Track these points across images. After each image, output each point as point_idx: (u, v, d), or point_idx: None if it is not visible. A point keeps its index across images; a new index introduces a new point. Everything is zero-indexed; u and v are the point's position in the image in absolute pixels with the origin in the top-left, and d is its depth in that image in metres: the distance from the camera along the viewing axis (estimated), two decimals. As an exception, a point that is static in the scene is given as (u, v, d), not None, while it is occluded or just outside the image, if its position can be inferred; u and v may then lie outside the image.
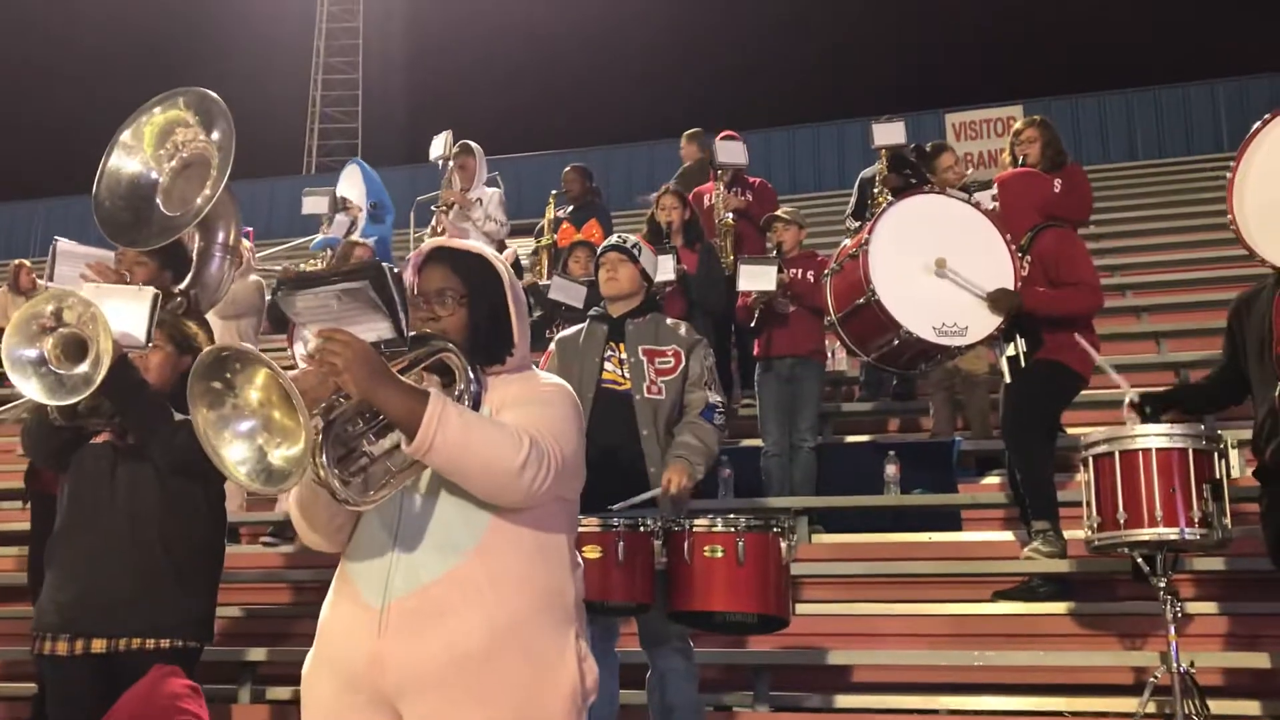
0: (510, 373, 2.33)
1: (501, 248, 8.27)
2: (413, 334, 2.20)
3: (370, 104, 24.02)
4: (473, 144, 8.02)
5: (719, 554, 3.44)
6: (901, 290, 4.44)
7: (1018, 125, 6.30)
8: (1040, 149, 5.89)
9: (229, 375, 1.94)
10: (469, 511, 2.19)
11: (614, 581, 3.48)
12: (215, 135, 3.29)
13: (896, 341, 4.46)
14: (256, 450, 1.93)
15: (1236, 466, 3.96)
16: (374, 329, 2.07)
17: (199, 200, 3.32)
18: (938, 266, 4.49)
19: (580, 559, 2.40)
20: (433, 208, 7.93)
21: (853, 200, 7.49)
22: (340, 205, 7.99)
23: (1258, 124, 4.73)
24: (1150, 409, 3.95)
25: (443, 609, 2.14)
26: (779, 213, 6.71)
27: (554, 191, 7.96)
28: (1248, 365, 3.82)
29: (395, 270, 2.10)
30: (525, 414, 2.20)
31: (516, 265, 8.24)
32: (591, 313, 4.32)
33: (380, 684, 2.16)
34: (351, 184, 8.43)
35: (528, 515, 2.20)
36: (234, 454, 1.93)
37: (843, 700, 4.62)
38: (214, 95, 3.30)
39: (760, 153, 13.30)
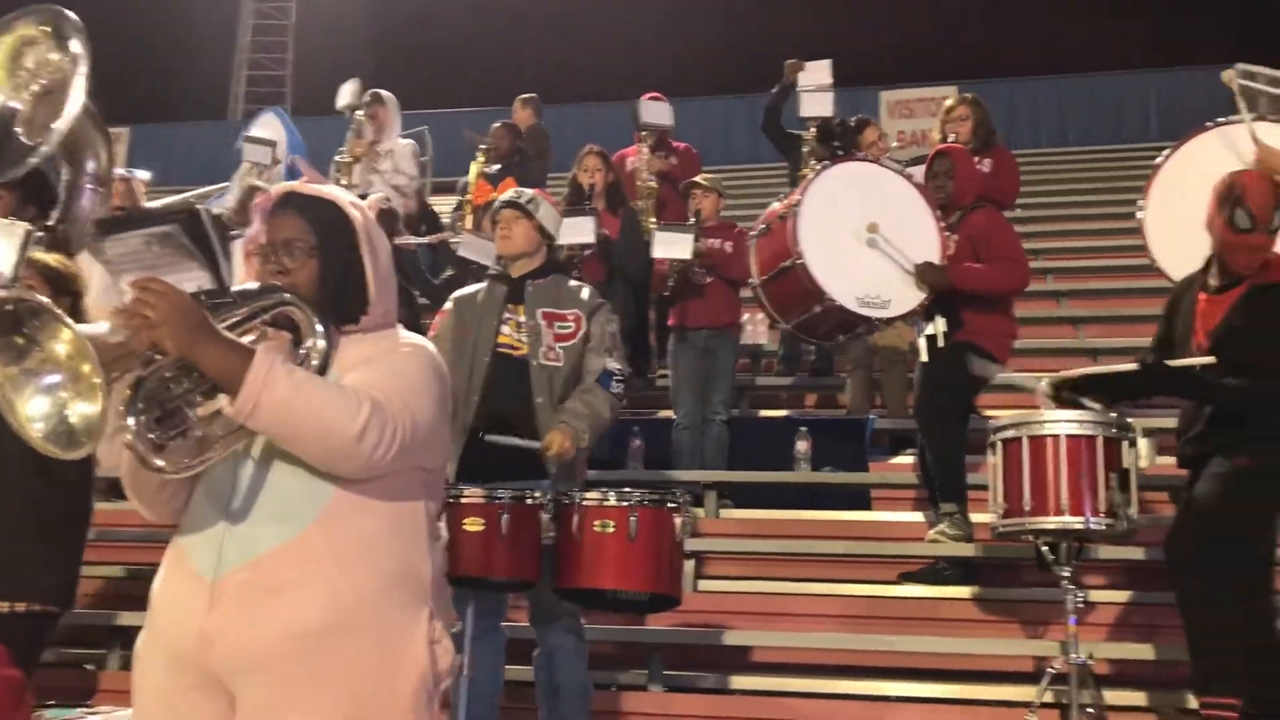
0: (366, 332, 2.13)
1: (423, 205, 7.99)
2: (255, 285, 1.99)
3: (303, 50, 23.30)
4: (384, 93, 7.71)
5: (610, 529, 3.27)
6: (828, 257, 4.33)
7: (950, 102, 6.20)
8: (972, 128, 5.79)
9: (28, 329, 1.72)
10: (311, 479, 2.00)
11: (497, 556, 3.31)
12: (69, 53, 3.00)
13: (819, 309, 4.34)
14: (57, 407, 1.72)
15: (1146, 456, 3.87)
16: (192, 278, 1.87)
17: (57, 125, 3.04)
18: (869, 230, 4.38)
19: (442, 532, 2.22)
20: (336, 159, 7.61)
21: (772, 106, 7.31)
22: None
23: (1160, 157, 4.77)
24: (1069, 392, 3.86)
25: (278, 583, 1.96)
26: (698, 179, 6.54)
27: (481, 146, 7.68)
28: (1176, 356, 3.76)
29: (211, 212, 1.89)
30: (373, 375, 2.02)
31: (435, 219, 7.96)
32: (491, 272, 4.11)
33: (210, 663, 1.97)
34: (270, 134, 8.08)
35: (379, 485, 2.03)
36: (32, 409, 1.72)
37: (739, 681, 4.50)
38: (65, 10, 3.02)
39: (695, 120, 13.12)
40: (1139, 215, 4.77)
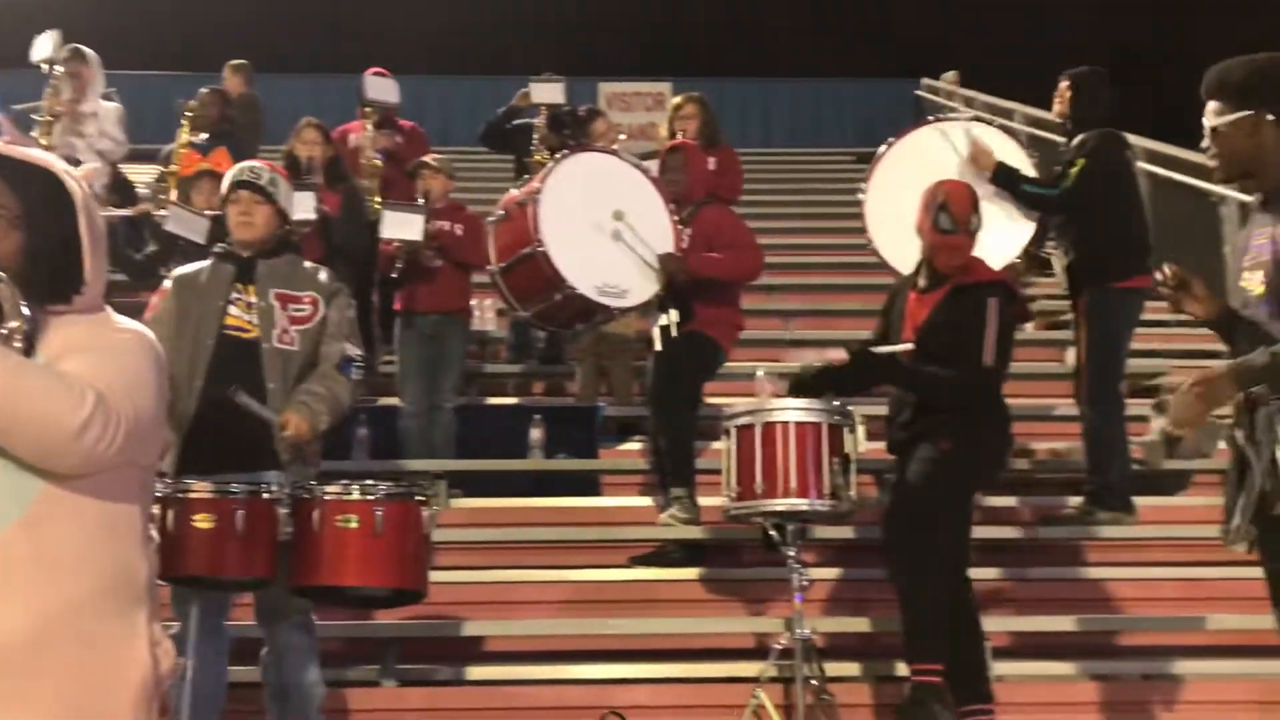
0: (78, 313, 1.93)
1: (117, 174, 7.38)
2: None
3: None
4: (87, 50, 7.05)
5: (353, 524, 3.13)
6: (569, 245, 4.33)
7: (677, 100, 6.36)
8: (698, 126, 5.96)
9: None
10: (14, 476, 1.81)
11: (229, 554, 3.11)
12: None
13: (559, 297, 4.34)
14: None
15: (862, 441, 4.13)
16: None
17: None
18: (615, 220, 4.41)
19: (153, 532, 2.06)
20: (34, 117, 6.89)
21: (496, 125, 7.28)
22: None
23: (882, 146, 5.09)
24: (804, 385, 4.05)
25: None
26: (427, 159, 6.39)
27: (187, 113, 7.14)
28: None
29: None
30: (91, 364, 1.85)
31: (130, 189, 7.36)
32: (217, 249, 3.84)
33: None
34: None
35: (90, 482, 1.86)
36: None
37: (475, 672, 4.45)
38: None
39: (418, 99, 12.83)
40: (860, 197, 5.03)
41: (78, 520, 1.86)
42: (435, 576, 4.97)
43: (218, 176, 6.11)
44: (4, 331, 1.79)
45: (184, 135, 7.15)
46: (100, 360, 1.86)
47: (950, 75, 4.59)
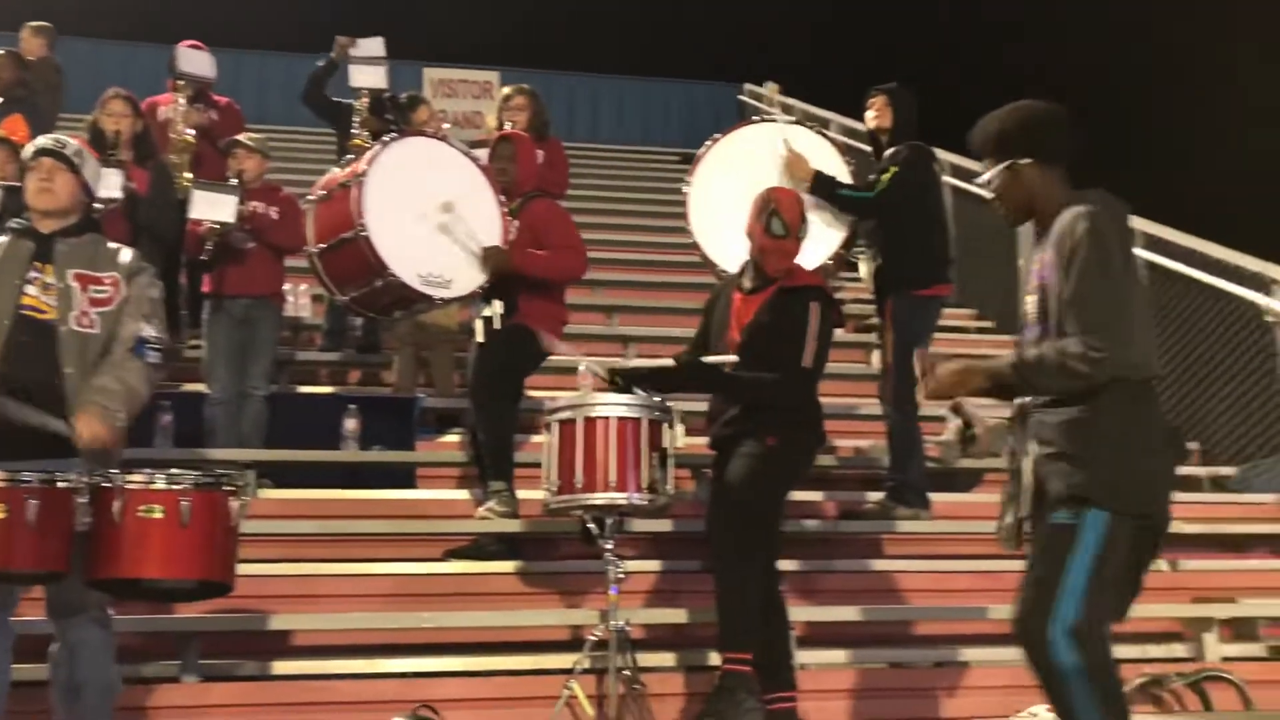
0: None
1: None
2: None
3: None
4: None
5: (157, 514, 3.01)
6: (392, 231, 4.26)
7: (507, 91, 6.34)
8: (529, 118, 5.96)
9: None
10: None
11: (19, 546, 2.94)
12: None
13: (379, 284, 4.27)
14: None
15: (680, 436, 4.22)
16: None
17: None
18: (444, 209, 4.36)
19: None
20: None
21: (318, 79, 7.12)
22: None
23: (701, 149, 5.21)
24: (623, 380, 4.10)
25: None
26: (242, 137, 6.16)
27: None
28: (711, 351, 4.12)
29: None
30: None
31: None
32: (13, 225, 3.62)
33: None
34: None
35: None
36: None
37: (281, 666, 4.34)
38: None
39: (237, 75, 12.34)
40: (685, 190, 5.11)
41: None
42: (242, 569, 4.80)
43: (11, 145, 5.75)
44: None
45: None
46: None
47: (771, 86, 4.73)
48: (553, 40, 16.90)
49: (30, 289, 3.42)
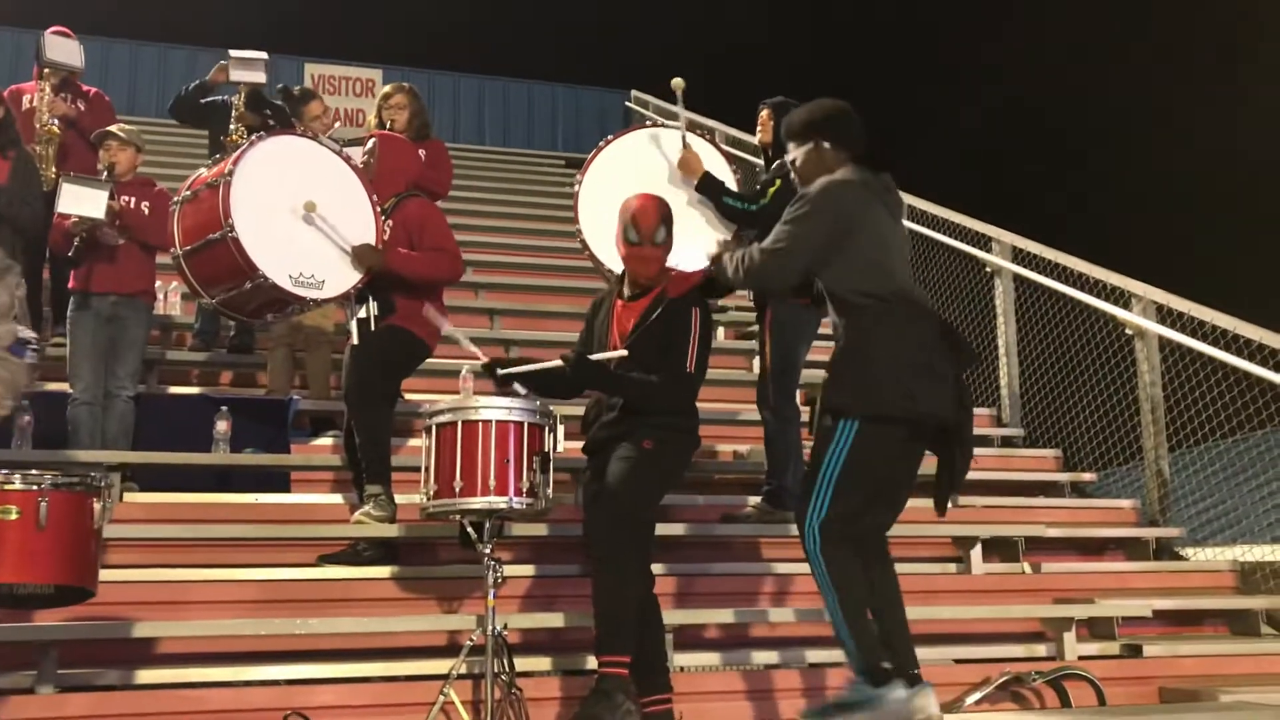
0: None
1: None
2: None
3: None
4: None
5: (13, 515, 2.90)
6: (262, 232, 4.15)
7: (387, 89, 6.26)
8: (409, 117, 5.89)
9: None
10: None
11: None
12: None
13: (249, 285, 4.16)
14: None
15: (560, 440, 4.22)
16: None
17: None
18: (306, 209, 4.27)
19: None
20: None
21: (188, 99, 6.94)
22: None
23: (592, 151, 5.22)
24: (503, 377, 4.08)
25: None
26: (114, 129, 5.96)
27: None
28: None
29: None
30: None
31: None
32: None
33: None
34: None
35: None
36: None
37: (145, 675, 4.17)
38: None
39: (102, 65, 11.92)
40: (575, 188, 5.11)
41: None
42: (106, 575, 4.67)
43: None
44: None
45: None
46: None
47: (678, 81, 4.77)
48: (438, 40, 16.75)
49: None
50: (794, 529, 5.40)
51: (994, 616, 5.25)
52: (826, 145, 3.75)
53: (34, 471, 3.01)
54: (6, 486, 2.92)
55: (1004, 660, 4.85)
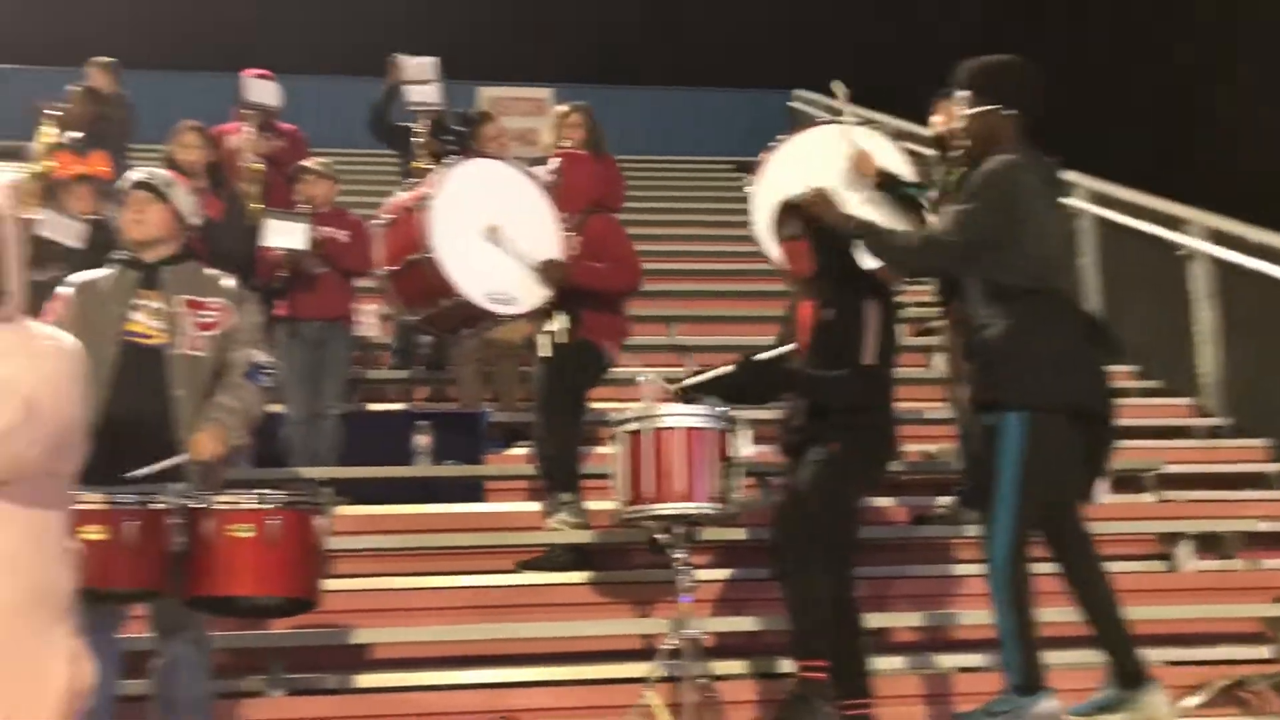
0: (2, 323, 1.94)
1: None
2: None
3: None
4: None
5: (247, 533, 3.12)
6: (459, 252, 4.35)
7: (564, 109, 6.40)
8: (584, 135, 6.03)
9: None
10: None
11: (119, 566, 3.07)
12: None
13: (448, 303, 4.36)
14: None
15: (748, 445, 4.25)
16: None
17: None
18: (500, 228, 4.45)
19: (72, 543, 2.06)
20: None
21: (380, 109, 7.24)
22: None
23: (765, 152, 5.23)
24: (690, 391, 4.16)
25: None
26: (309, 164, 6.32)
27: (49, 112, 6.89)
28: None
29: None
30: (15, 370, 1.85)
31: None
32: (119, 256, 3.79)
33: None
34: None
35: (17, 490, 1.85)
36: None
37: (364, 680, 4.44)
38: None
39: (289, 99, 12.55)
40: (749, 190, 5.14)
41: (3, 529, 1.85)
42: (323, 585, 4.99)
43: (97, 181, 5.97)
44: None
45: (50, 135, 6.91)
46: (25, 366, 1.87)
47: (839, 85, 4.76)
48: (602, 56, 17.03)
49: (137, 316, 3.58)
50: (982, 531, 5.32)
51: (1208, 616, 5.02)
52: (1002, 110, 3.66)
53: (264, 491, 3.24)
54: (241, 507, 3.16)
55: (1221, 663, 4.63)
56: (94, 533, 2.96)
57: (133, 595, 3.24)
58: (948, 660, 4.68)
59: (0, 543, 1.84)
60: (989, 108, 3.67)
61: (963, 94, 3.76)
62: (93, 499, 3.02)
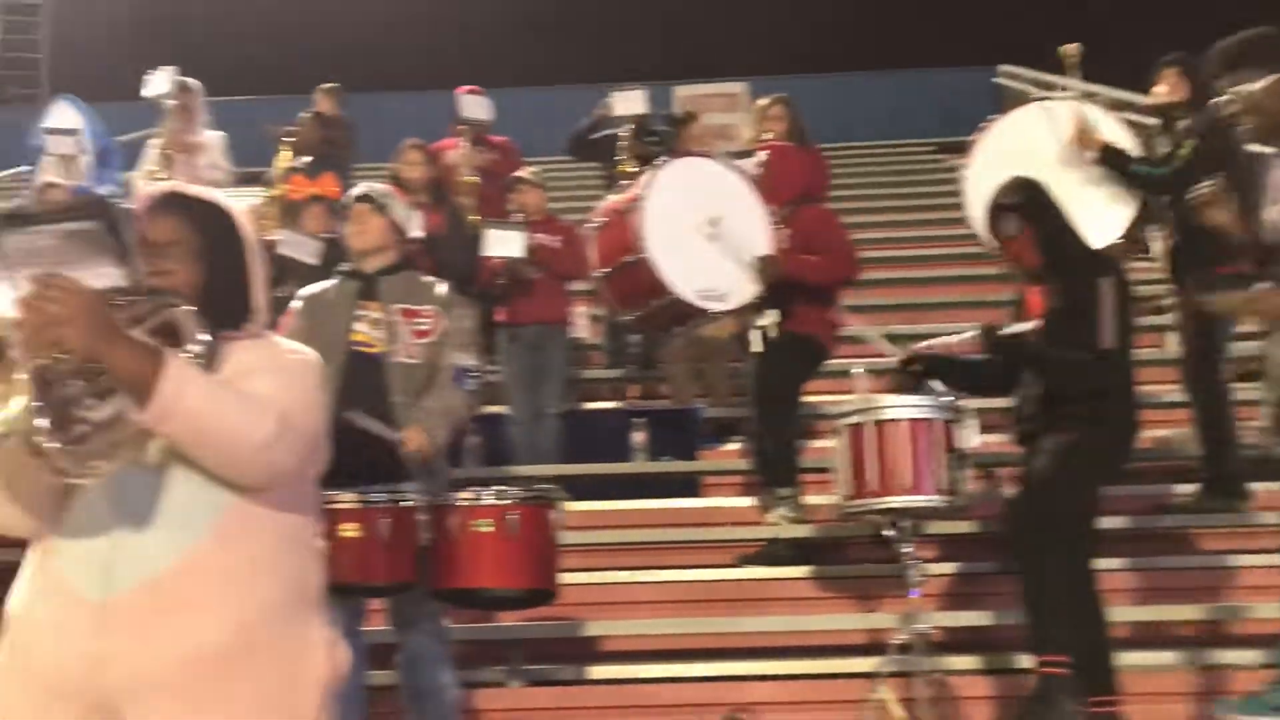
0: (247, 338, 2.09)
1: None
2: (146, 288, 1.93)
3: (61, 29, 21.55)
4: (192, 81, 7.35)
5: (488, 528, 3.26)
6: (670, 251, 4.42)
7: (765, 102, 6.39)
8: (787, 127, 6.00)
9: None
10: (206, 490, 1.94)
11: (376, 561, 3.26)
12: None
13: (662, 302, 4.43)
14: None
15: (973, 436, 4.14)
16: (102, 275, 1.79)
17: None
18: (711, 225, 4.49)
19: (320, 541, 2.19)
20: (157, 151, 7.21)
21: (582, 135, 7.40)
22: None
23: (976, 134, 5.07)
24: (917, 371, 4.08)
25: (179, 602, 1.90)
26: (522, 174, 6.54)
27: (285, 138, 7.38)
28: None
29: (128, 209, 1.83)
30: (270, 383, 1.99)
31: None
32: (342, 269, 4.02)
33: (102, 688, 1.88)
34: (69, 123, 7.52)
35: (273, 496, 1.99)
36: None
37: (597, 671, 4.56)
38: None
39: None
40: (963, 174, 5.02)
41: (264, 532, 1.98)
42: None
43: (325, 201, 6.35)
44: (187, 355, 1.91)
45: (285, 159, 7.39)
46: (278, 380, 2.00)
47: (1069, 48, 4.54)
48: (796, 46, 16.88)
49: (360, 325, 3.79)
50: (1233, 519, 5.02)
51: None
52: None
53: (501, 487, 3.38)
54: (480, 503, 3.30)
55: None
56: (351, 530, 3.16)
57: (388, 589, 3.42)
58: (1200, 655, 4.43)
59: (262, 544, 1.98)
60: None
61: (1237, 70, 3.67)
62: (347, 499, 3.23)
